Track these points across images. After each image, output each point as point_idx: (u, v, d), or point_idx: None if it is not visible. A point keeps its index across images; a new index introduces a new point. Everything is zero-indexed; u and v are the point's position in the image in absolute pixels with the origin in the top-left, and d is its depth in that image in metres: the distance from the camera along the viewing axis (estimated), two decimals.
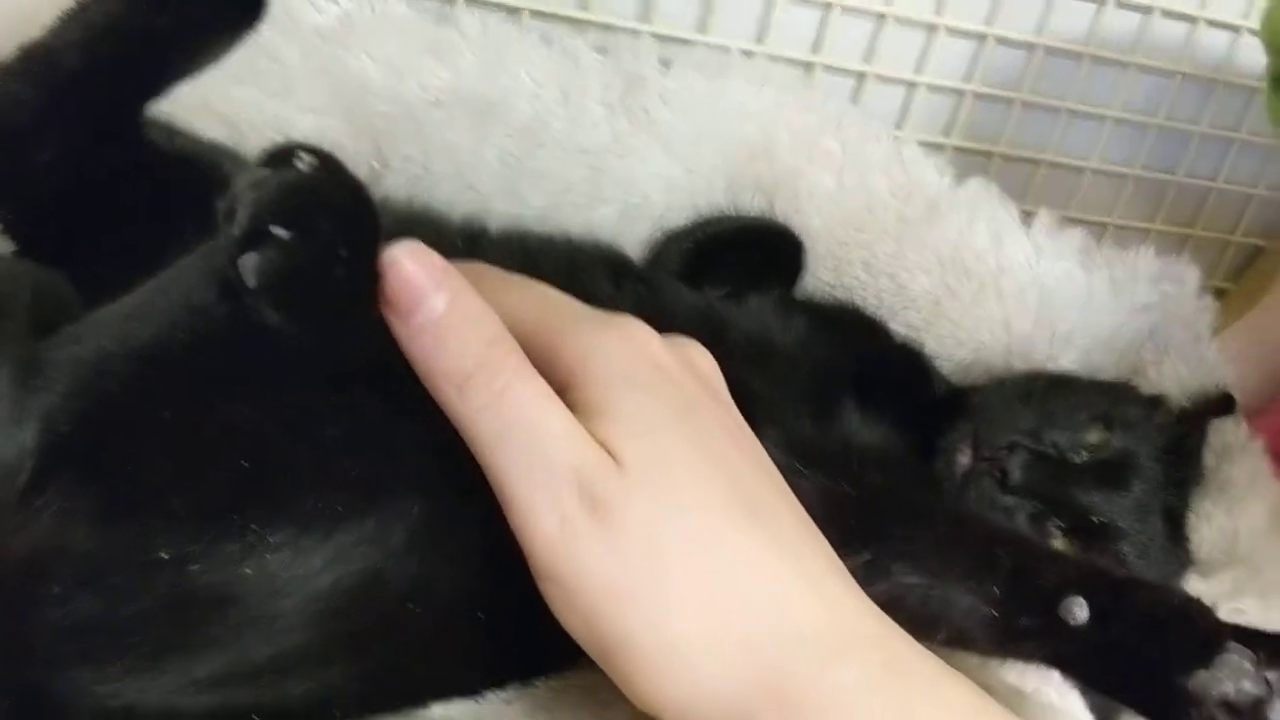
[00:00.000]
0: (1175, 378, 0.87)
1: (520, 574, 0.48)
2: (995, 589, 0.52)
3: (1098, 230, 1.03)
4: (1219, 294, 1.06)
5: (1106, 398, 0.77)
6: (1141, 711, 0.50)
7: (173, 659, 0.42)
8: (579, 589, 0.43)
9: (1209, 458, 0.83)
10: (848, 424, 0.70)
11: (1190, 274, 0.90)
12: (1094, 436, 0.73)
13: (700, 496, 0.45)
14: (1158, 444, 0.75)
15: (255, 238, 0.40)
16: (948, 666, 0.45)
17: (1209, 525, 0.78)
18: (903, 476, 0.70)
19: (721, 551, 0.44)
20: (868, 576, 0.52)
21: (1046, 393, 0.74)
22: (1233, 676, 0.45)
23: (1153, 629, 0.49)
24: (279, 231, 0.40)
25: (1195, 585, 0.74)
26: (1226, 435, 0.85)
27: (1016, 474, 0.69)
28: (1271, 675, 0.46)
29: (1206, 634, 0.48)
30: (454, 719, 0.51)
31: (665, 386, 0.47)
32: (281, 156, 0.43)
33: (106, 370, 0.41)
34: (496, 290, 0.47)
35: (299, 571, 0.43)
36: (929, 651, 0.45)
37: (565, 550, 0.43)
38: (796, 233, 0.81)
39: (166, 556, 0.41)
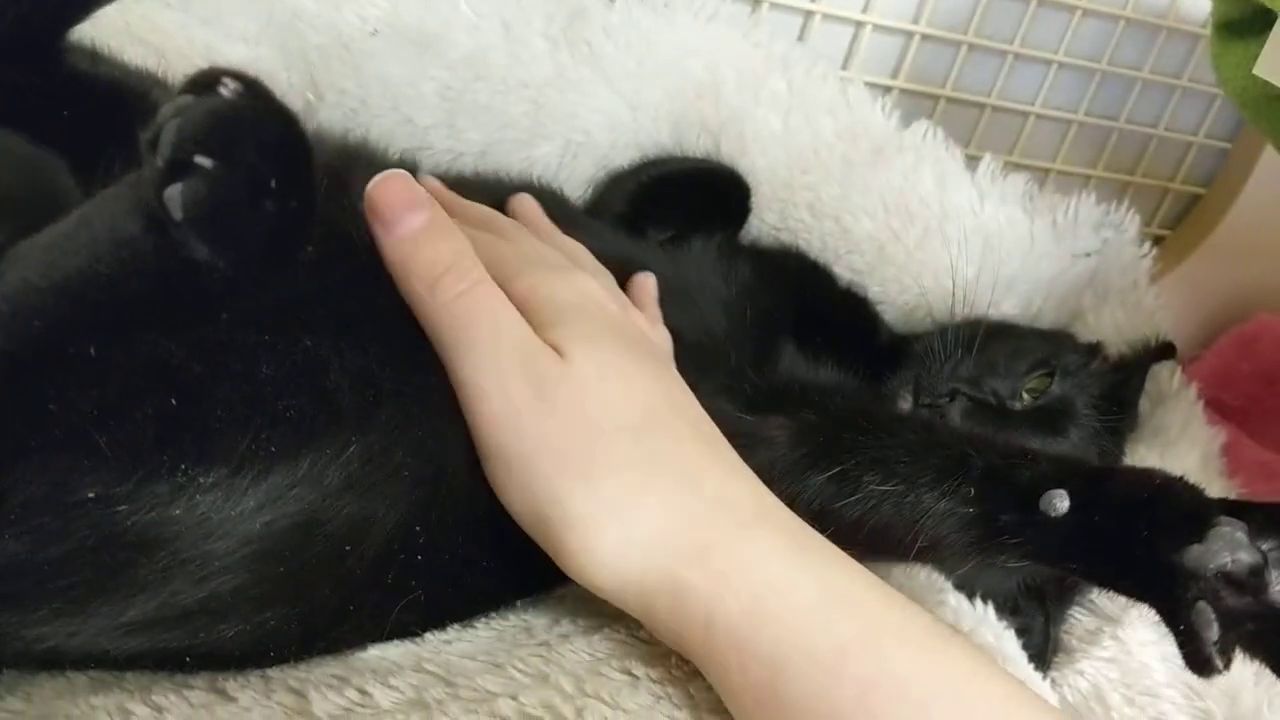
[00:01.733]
0: (1113, 323, 0.88)
1: (459, 512, 0.48)
2: (970, 489, 0.52)
3: (1040, 176, 1.03)
4: (1157, 241, 1.07)
5: (1046, 346, 0.78)
6: (1138, 596, 0.49)
7: (100, 602, 0.41)
8: (518, 456, 0.48)
9: (1144, 403, 0.84)
10: (792, 368, 0.70)
11: (1130, 221, 0.91)
12: (1033, 385, 0.74)
13: (631, 388, 0.51)
14: (1094, 392, 0.76)
15: (180, 168, 0.39)
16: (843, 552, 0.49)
17: None
18: (862, 398, 0.71)
19: (648, 428, 0.50)
20: (839, 489, 0.55)
21: (987, 341, 0.75)
22: (1228, 548, 0.45)
23: (1138, 510, 0.48)
24: (203, 160, 0.39)
25: None
26: (1161, 382, 0.86)
27: (956, 420, 0.70)
28: (1265, 544, 0.45)
29: (1194, 509, 0.47)
30: (392, 660, 0.50)
31: (605, 317, 0.54)
32: (205, 82, 0.41)
33: (29, 304, 0.40)
34: (468, 225, 0.54)
35: (231, 513, 0.42)
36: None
37: (508, 421, 0.48)
38: (743, 175, 0.80)
39: (93, 496, 0.40)
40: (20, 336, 0.39)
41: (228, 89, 0.41)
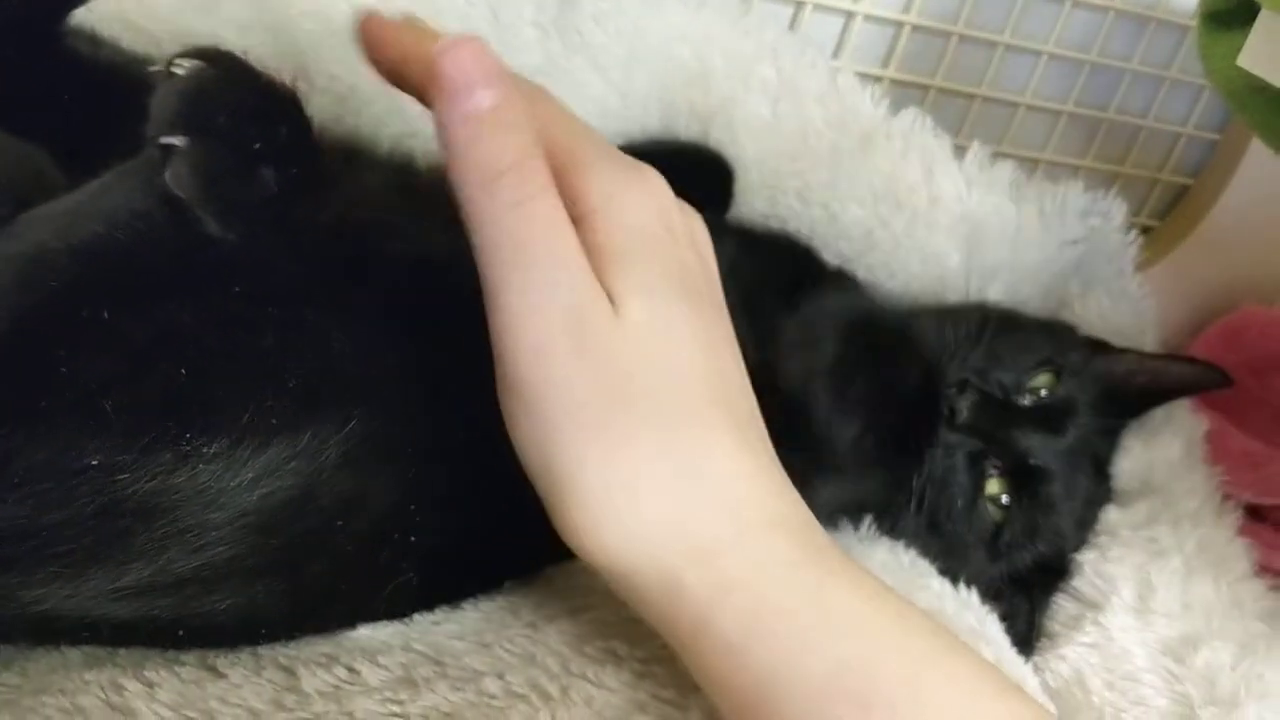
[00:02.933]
0: (1099, 311, 0.88)
1: (451, 495, 0.48)
2: None
3: (1029, 166, 1.04)
4: (1145, 231, 1.08)
5: (1052, 341, 0.78)
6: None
7: (98, 568, 0.42)
8: (542, 404, 0.43)
9: None
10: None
11: (1117, 209, 0.91)
12: (1039, 380, 0.74)
13: (683, 367, 0.46)
14: (1094, 392, 0.76)
15: (165, 151, 0.39)
16: (855, 560, 0.47)
17: (1127, 457, 0.80)
18: None
19: (682, 409, 0.45)
20: None
21: (996, 333, 0.74)
22: None
23: None
24: (175, 141, 0.39)
25: (1112, 515, 0.76)
26: None
27: (965, 413, 0.70)
28: None
29: None
30: (381, 640, 0.51)
31: (674, 255, 0.48)
32: (166, 67, 0.42)
33: (47, 265, 0.40)
34: (533, 100, 0.47)
35: (230, 484, 0.42)
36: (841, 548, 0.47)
37: (539, 362, 0.43)
38: (728, 160, 0.81)
39: (96, 463, 0.40)
40: (36, 293, 0.40)
41: (181, 68, 0.41)
